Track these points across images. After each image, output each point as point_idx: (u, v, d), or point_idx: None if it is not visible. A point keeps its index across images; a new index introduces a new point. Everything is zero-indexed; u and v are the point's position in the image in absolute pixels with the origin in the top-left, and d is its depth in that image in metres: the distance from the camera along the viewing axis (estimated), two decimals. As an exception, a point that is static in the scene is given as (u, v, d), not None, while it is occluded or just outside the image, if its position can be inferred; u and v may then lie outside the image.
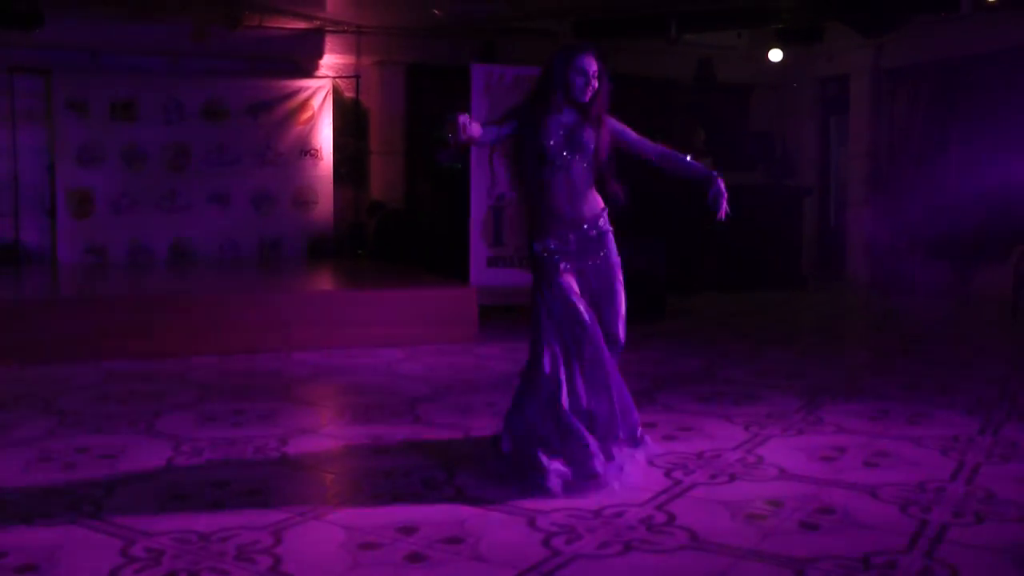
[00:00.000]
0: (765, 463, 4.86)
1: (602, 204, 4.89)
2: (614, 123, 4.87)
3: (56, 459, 4.99)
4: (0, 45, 11.51)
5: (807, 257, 14.27)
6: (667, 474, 4.64)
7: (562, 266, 4.73)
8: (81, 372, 7.35)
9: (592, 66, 4.74)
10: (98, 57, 12.34)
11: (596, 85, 4.74)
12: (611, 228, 4.89)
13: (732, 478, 4.61)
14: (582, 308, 4.65)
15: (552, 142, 4.72)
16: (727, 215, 5.02)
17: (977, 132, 12.14)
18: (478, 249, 9.73)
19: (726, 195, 4.98)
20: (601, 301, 4.80)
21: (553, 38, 13.25)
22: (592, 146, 4.75)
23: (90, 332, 7.91)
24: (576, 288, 4.73)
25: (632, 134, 4.96)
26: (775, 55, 13.69)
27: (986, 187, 11.58)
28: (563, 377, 4.59)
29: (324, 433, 5.68)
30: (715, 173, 4.99)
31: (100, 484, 4.52)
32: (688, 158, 5.14)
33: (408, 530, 3.87)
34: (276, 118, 12.75)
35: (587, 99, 4.73)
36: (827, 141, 15.33)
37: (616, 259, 4.87)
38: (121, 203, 12.24)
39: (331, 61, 13.20)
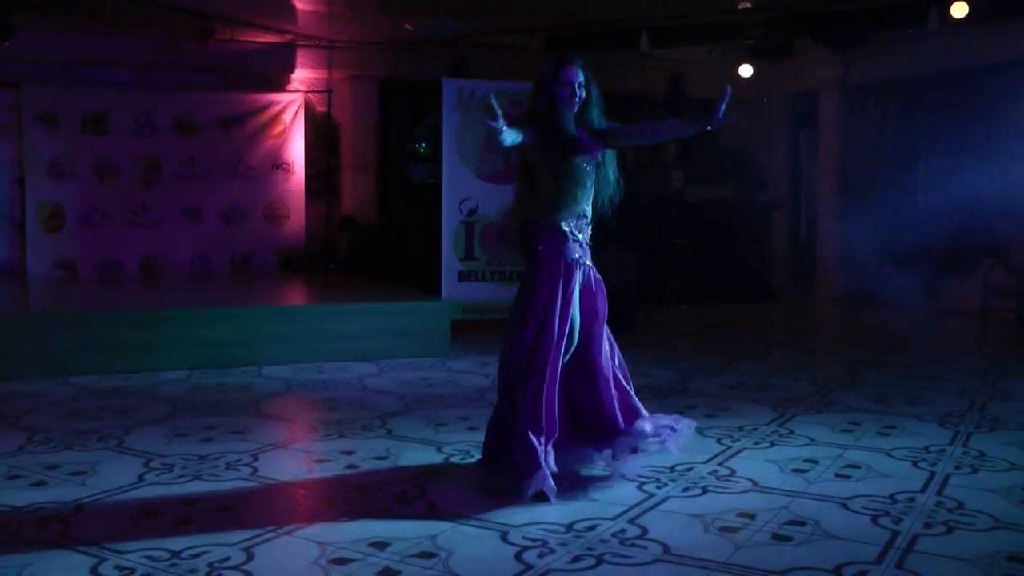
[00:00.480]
0: (737, 476, 4.89)
1: (589, 213, 5.05)
2: (606, 124, 5.11)
3: (25, 476, 4.94)
4: (-31, 58, 11.43)
5: (778, 270, 14.36)
6: (639, 487, 4.65)
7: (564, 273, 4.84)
8: (50, 388, 7.29)
9: (577, 76, 4.95)
10: (69, 70, 12.26)
11: (583, 94, 4.96)
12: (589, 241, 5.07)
13: (705, 491, 4.62)
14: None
15: (550, 153, 4.87)
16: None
17: (944, 147, 12.27)
18: (450, 264, 9.73)
19: (726, 98, 5.15)
20: (592, 329, 4.96)
21: (525, 53, 13.31)
22: (589, 152, 4.94)
23: (60, 348, 7.84)
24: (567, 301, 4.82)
25: (622, 127, 5.20)
26: (745, 71, 13.79)
27: (954, 201, 11.68)
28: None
29: (296, 448, 5.66)
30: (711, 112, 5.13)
31: (70, 502, 4.48)
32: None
33: (381, 545, 3.86)
34: (248, 132, 12.71)
35: (576, 109, 4.94)
36: (797, 156, 15.46)
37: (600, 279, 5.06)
38: (92, 217, 12.15)
39: (303, 75, 13.18)
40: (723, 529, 4.08)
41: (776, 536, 4.00)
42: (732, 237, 13.21)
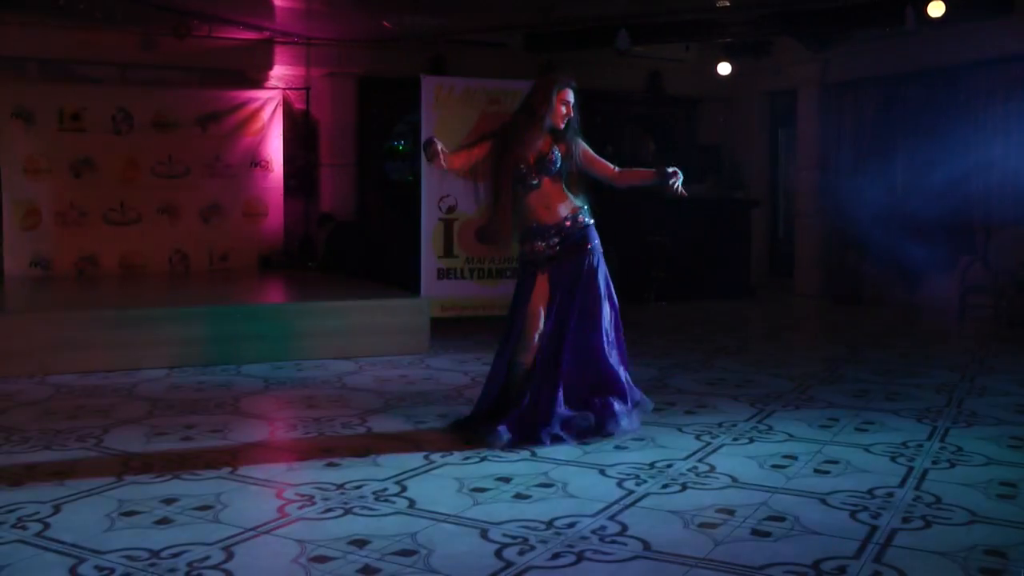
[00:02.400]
0: (717, 472, 4.90)
1: (577, 203, 5.66)
2: (583, 146, 5.69)
3: (2, 477, 4.91)
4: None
5: (756, 268, 14.41)
6: (619, 484, 4.66)
7: (536, 272, 5.62)
8: (27, 388, 7.24)
9: (572, 97, 5.62)
10: (45, 66, 12.18)
11: (572, 114, 5.60)
12: (592, 221, 5.73)
13: (684, 487, 4.64)
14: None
15: (529, 162, 5.49)
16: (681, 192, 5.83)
17: (922, 145, 12.34)
18: (429, 261, 9.73)
19: (680, 176, 5.79)
20: (585, 322, 5.58)
21: (503, 50, 13.32)
22: (558, 166, 5.51)
23: (36, 346, 7.79)
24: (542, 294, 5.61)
25: (597, 157, 5.79)
26: (723, 68, 13.83)
27: (932, 198, 11.76)
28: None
29: (275, 447, 5.65)
30: (667, 169, 5.78)
31: (48, 502, 4.45)
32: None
33: (360, 543, 3.85)
34: (225, 129, 12.65)
35: (563, 126, 5.57)
36: (775, 153, 15.50)
37: (602, 267, 5.76)
38: (68, 215, 12.06)
39: (281, 72, 13.14)
40: (703, 525, 4.09)
41: (755, 532, 4.01)
42: (711, 234, 13.25)
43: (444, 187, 9.60)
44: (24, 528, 4.10)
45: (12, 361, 7.66)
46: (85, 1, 10.97)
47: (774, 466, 5.02)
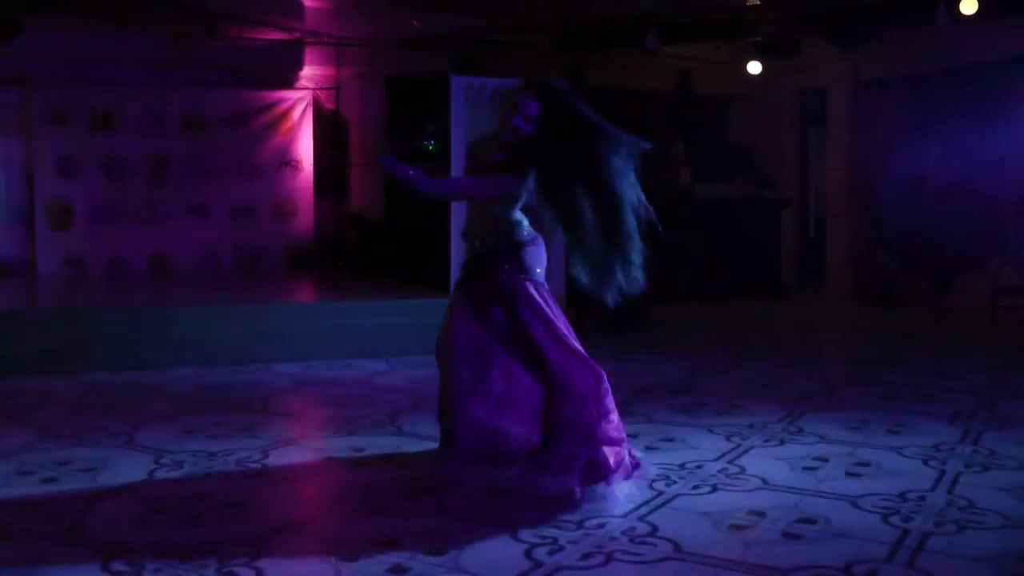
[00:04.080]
0: (747, 473, 4.87)
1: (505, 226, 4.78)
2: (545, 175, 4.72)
3: (35, 473, 4.96)
4: (-24, 56, 11.45)
5: (786, 268, 14.33)
6: (649, 485, 4.64)
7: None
8: (59, 385, 7.30)
9: (535, 111, 4.65)
10: (77, 68, 12.27)
11: (525, 130, 4.65)
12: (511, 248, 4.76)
13: (714, 488, 4.61)
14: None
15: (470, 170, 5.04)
16: None
17: (954, 144, 12.22)
18: (459, 260, 9.70)
19: None
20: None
21: (533, 50, 13.30)
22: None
23: (69, 344, 7.86)
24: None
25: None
26: (753, 68, 13.76)
27: (964, 198, 11.66)
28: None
29: (305, 446, 5.66)
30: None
31: (80, 498, 4.49)
32: None
33: (391, 542, 3.86)
34: (256, 129, 12.71)
35: (511, 139, 4.71)
36: (806, 153, 15.41)
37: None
38: (100, 214, 12.16)
39: (311, 73, 13.18)
40: (733, 527, 4.07)
41: (786, 534, 3.99)
42: (741, 234, 13.19)
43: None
44: (56, 524, 4.13)
45: (45, 359, 7.73)
46: (118, 3, 11.05)
47: (805, 468, 4.98)
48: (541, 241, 4.81)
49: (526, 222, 4.79)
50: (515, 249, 4.70)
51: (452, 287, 4.85)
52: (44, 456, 5.27)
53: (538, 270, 4.73)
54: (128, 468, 5.01)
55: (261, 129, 12.72)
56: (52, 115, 11.95)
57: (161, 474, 4.91)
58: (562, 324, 4.64)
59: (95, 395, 6.96)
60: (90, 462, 5.14)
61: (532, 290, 4.65)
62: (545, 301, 4.65)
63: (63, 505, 4.38)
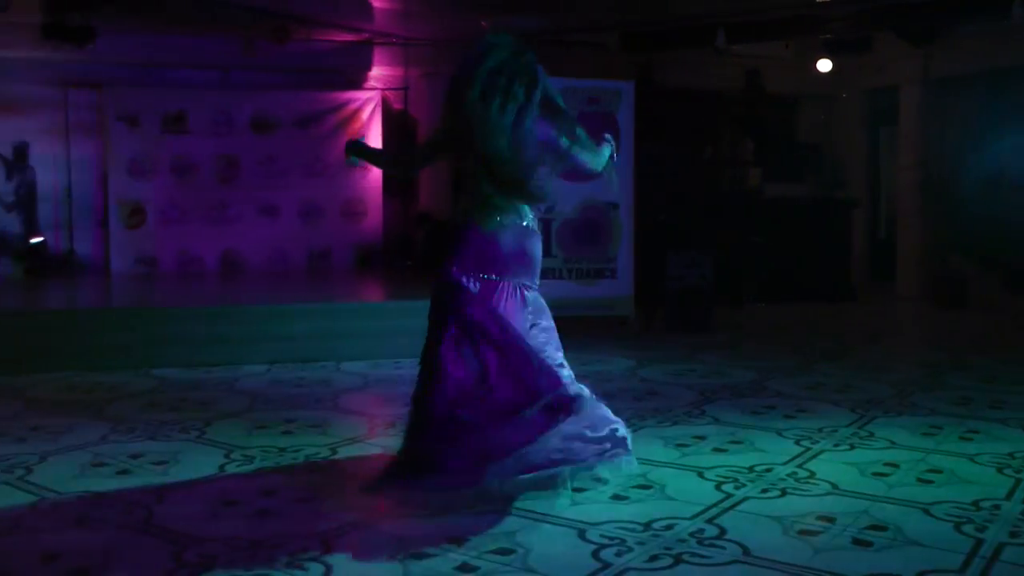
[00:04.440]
0: (817, 478, 4.81)
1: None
2: None
3: (109, 464, 5.06)
4: (54, 60, 11.71)
5: (857, 269, 14.13)
6: (718, 487, 4.61)
7: None
8: (133, 380, 7.44)
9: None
10: (149, 71, 12.50)
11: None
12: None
13: (783, 492, 4.57)
14: None
15: None
16: None
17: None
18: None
19: None
20: None
21: (601, 51, 13.27)
22: None
23: (141, 341, 8.01)
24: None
25: None
26: (823, 65, 13.59)
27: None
28: None
29: (374, 443, 5.70)
30: None
31: (152, 490, 4.58)
32: None
33: (458, 540, 3.87)
34: (325, 130, 12.84)
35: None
36: (876, 152, 15.20)
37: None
38: (171, 214, 12.38)
39: (379, 73, 13.27)
40: (802, 532, 4.03)
41: (856, 541, 3.93)
42: (810, 235, 13.03)
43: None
44: (130, 514, 4.21)
45: (118, 354, 7.90)
46: (187, 7, 11.22)
47: (875, 474, 4.91)
48: None
49: None
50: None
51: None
52: (118, 448, 5.38)
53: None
54: (199, 462, 5.09)
55: (330, 129, 12.85)
56: (125, 117, 12.20)
57: (232, 468, 4.98)
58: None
59: (167, 390, 7.08)
60: (162, 455, 5.23)
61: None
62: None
63: (136, 496, 4.47)
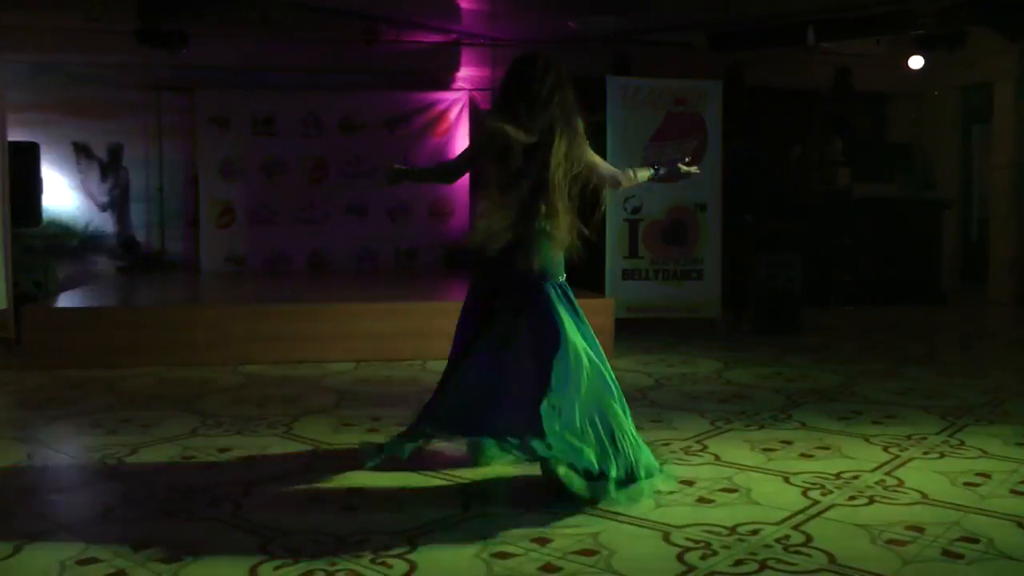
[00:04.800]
0: (905, 486, 4.71)
1: None
2: None
3: (197, 457, 5.17)
4: (148, 65, 12.01)
5: (947, 272, 13.83)
6: (804, 493, 4.55)
7: None
8: (221, 375, 7.59)
9: None
10: (240, 74, 12.73)
11: None
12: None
13: (871, 500, 4.48)
14: None
15: None
16: None
17: None
18: (614, 262, 9.69)
19: None
20: None
21: (689, 50, 13.18)
22: None
23: (230, 337, 8.16)
24: None
25: None
26: (915, 62, 13.31)
27: None
28: None
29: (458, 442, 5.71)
30: None
31: (239, 483, 4.66)
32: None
33: (542, 540, 3.88)
34: (413, 130, 12.94)
35: None
36: (969, 151, 14.86)
37: None
38: (261, 214, 12.58)
39: (467, 74, 13.33)
40: (890, 542, 3.94)
41: (946, 552, 3.84)
42: (900, 237, 12.79)
43: (630, 188, 9.54)
44: (217, 507, 4.29)
45: (208, 350, 8.07)
46: (277, 12, 11.39)
47: (966, 484, 4.78)
48: None
49: None
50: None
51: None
52: (206, 442, 5.49)
53: None
54: (286, 457, 5.17)
55: (418, 130, 12.95)
56: (216, 120, 12.44)
57: (318, 465, 5.04)
58: None
59: (254, 386, 7.20)
60: (249, 450, 5.32)
61: None
62: None
63: (224, 490, 4.55)
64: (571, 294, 4.72)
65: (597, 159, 4.83)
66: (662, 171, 5.22)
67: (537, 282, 4.63)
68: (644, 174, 5.17)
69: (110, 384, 7.24)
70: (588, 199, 4.78)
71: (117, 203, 12.63)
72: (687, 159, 5.40)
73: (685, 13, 12.15)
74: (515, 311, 4.68)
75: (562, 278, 4.73)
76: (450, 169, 5.27)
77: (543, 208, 4.54)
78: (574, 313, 4.65)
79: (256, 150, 12.59)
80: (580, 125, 4.65)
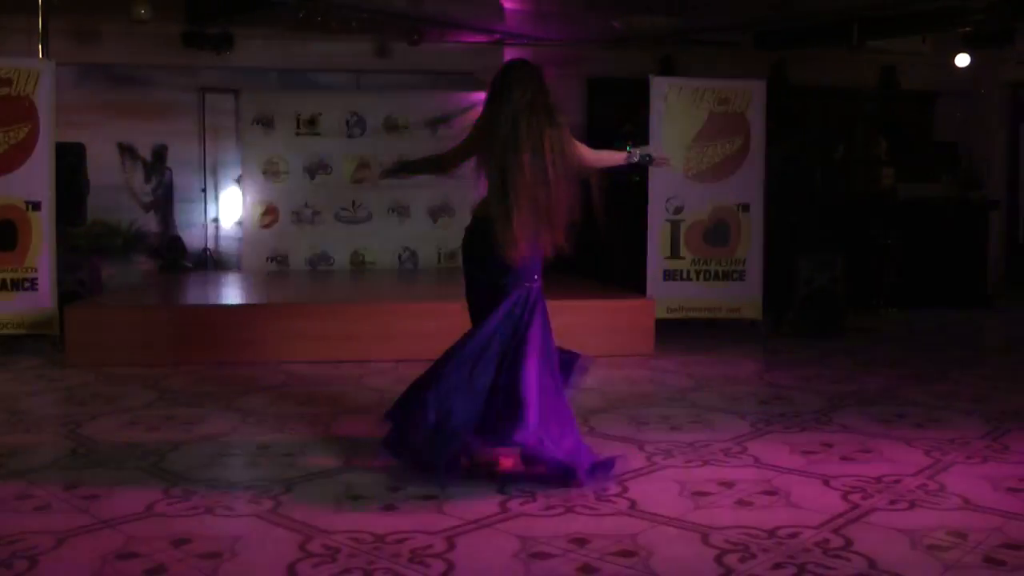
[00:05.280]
0: (947, 491, 4.66)
1: None
2: None
3: (238, 455, 5.22)
4: (194, 67, 12.15)
5: (993, 274, 13.65)
6: (844, 497, 4.51)
7: None
8: (263, 373, 7.64)
9: None
10: (284, 75, 12.84)
11: None
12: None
13: (912, 505, 4.44)
14: None
15: None
16: None
17: None
18: (655, 262, 9.65)
19: None
20: None
21: (733, 50, 13.12)
22: None
23: (273, 335, 8.21)
24: None
25: None
26: (962, 60, 13.16)
27: None
28: None
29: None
30: None
31: (280, 480, 4.70)
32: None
33: (580, 542, 3.88)
34: (455, 131, 12.91)
35: None
36: (1016, 150, 14.67)
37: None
38: (304, 213, 12.66)
39: (510, 74, 13.32)
40: (931, 547, 3.90)
41: (988, 559, 3.78)
42: (945, 238, 12.63)
43: (671, 188, 9.53)
44: (258, 504, 4.33)
45: (251, 348, 8.13)
46: (323, 14, 11.48)
47: (1010, 489, 4.72)
48: None
49: None
50: None
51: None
52: (247, 439, 5.54)
53: None
54: (325, 456, 5.20)
55: (461, 130, 12.93)
56: (260, 120, 12.53)
57: (358, 463, 5.06)
58: None
59: (296, 385, 7.25)
60: (290, 448, 5.36)
61: None
62: None
63: (264, 486, 4.59)
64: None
65: (583, 148, 5.37)
66: (636, 157, 5.62)
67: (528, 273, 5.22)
68: (619, 156, 5.64)
69: (152, 381, 7.32)
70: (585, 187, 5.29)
71: (161, 203, 12.78)
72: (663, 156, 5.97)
73: (730, 12, 12.10)
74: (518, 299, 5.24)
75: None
76: (444, 160, 5.60)
77: (541, 195, 5.10)
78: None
79: (299, 150, 12.67)
80: (562, 119, 5.19)
